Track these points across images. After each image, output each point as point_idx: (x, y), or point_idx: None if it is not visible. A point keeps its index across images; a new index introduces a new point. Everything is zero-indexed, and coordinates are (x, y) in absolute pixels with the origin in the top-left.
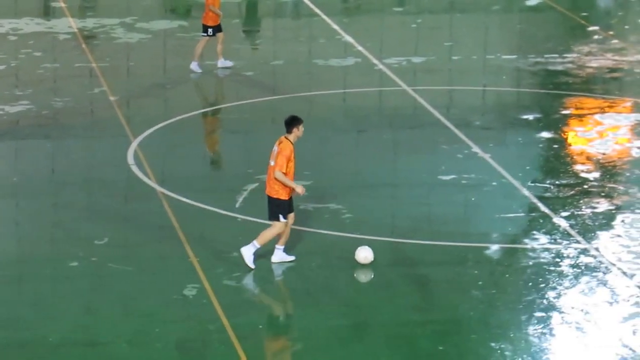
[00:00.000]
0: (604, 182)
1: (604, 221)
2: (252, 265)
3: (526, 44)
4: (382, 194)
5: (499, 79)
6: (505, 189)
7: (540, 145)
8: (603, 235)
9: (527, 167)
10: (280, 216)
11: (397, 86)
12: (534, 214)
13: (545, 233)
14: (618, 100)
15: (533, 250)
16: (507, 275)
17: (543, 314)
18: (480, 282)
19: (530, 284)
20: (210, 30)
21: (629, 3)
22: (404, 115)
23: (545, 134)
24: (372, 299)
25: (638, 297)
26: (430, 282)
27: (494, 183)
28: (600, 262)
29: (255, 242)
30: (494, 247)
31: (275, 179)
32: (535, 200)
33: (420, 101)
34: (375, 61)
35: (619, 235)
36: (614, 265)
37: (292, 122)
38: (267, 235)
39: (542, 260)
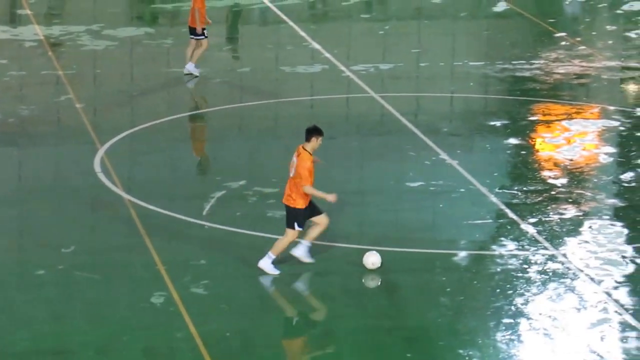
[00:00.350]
0: (572, 189)
1: (571, 227)
2: (275, 272)
3: (493, 51)
4: (349, 200)
5: (467, 86)
6: (473, 196)
7: (508, 152)
8: (571, 242)
9: (495, 174)
10: (296, 224)
11: (364, 93)
12: (501, 221)
13: (513, 239)
14: (585, 106)
15: (501, 256)
16: (475, 282)
17: (511, 321)
18: (448, 289)
19: (498, 290)
20: (205, 31)
21: (596, 9)
22: (372, 122)
23: (513, 141)
24: (340, 306)
25: (606, 303)
26: (398, 289)
27: (462, 190)
28: (568, 269)
29: (270, 252)
30: (462, 254)
31: (305, 193)
32: (503, 207)
33: (388, 108)
34: (342, 68)
35: (586, 242)
36: (581, 271)
37: (312, 132)
38: (281, 244)
39: (510, 266)
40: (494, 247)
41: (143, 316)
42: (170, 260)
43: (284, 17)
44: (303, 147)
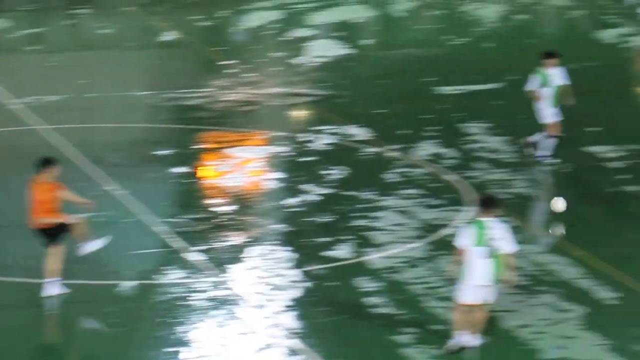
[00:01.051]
0: (239, 215)
1: (238, 254)
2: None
3: (161, 80)
4: (13, 234)
5: (134, 116)
6: (139, 226)
7: (175, 181)
8: (237, 268)
9: (162, 203)
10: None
11: (31, 125)
12: (167, 250)
13: (179, 268)
14: (252, 133)
15: (165, 285)
16: (138, 312)
17: (175, 349)
18: (111, 320)
19: (161, 319)
20: None
21: (263, 37)
22: (38, 154)
23: (180, 169)
24: (3, 341)
25: (273, 327)
26: (62, 322)
27: (128, 220)
28: (235, 295)
29: (46, 279)
30: (127, 284)
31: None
32: (169, 236)
33: (54, 140)
34: (7, 100)
35: (253, 267)
36: (248, 297)
37: (45, 164)
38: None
39: (174, 295)
40: (158, 276)
41: None
42: None
43: None
44: (34, 180)
